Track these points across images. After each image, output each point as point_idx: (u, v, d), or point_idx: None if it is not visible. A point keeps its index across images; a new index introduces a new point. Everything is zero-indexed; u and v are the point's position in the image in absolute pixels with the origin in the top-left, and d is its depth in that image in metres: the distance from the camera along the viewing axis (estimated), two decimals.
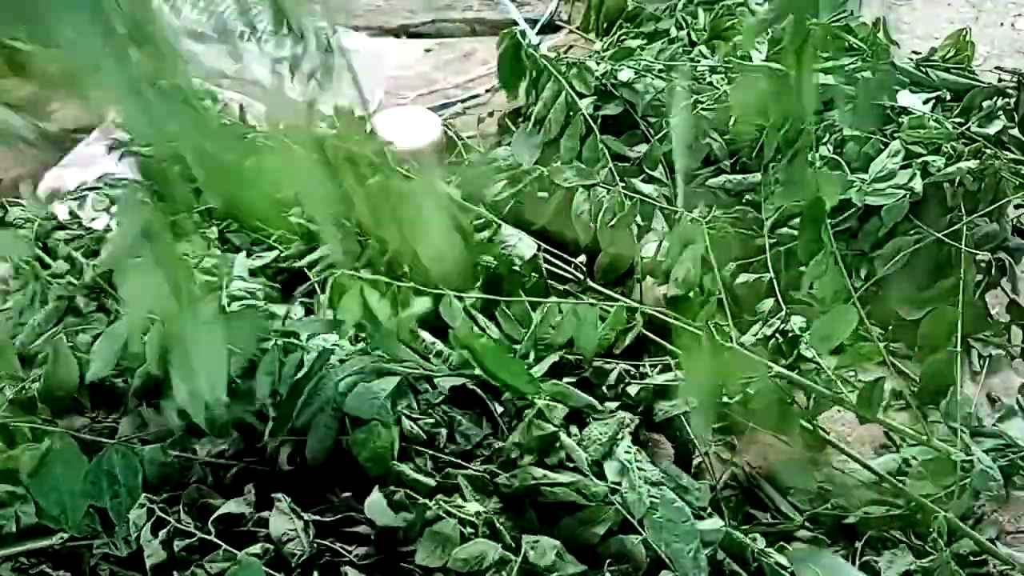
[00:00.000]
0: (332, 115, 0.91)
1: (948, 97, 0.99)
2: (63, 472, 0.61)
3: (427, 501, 0.59)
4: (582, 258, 0.82)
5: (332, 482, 0.65)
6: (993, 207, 0.87)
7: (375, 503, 0.59)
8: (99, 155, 0.98)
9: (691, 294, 0.79)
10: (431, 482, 0.62)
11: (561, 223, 0.90)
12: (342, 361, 0.65)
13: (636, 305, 0.75)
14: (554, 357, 0.71)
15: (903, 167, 0.86)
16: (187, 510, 0.61)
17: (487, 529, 0.59)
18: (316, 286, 0.79)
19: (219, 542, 0.58)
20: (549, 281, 0.78)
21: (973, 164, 0.87)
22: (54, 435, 0.64)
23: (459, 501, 0.60)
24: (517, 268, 0.78)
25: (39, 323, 0.74)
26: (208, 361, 0.53)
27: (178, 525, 0.59)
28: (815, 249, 0.69)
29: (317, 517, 0.61)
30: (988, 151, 0.89)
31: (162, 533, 0.59)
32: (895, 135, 0.91)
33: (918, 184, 0.85)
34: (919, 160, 0.88)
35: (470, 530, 0.58)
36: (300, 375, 0.64)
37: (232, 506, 0.61)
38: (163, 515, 0.59)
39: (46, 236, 0.80)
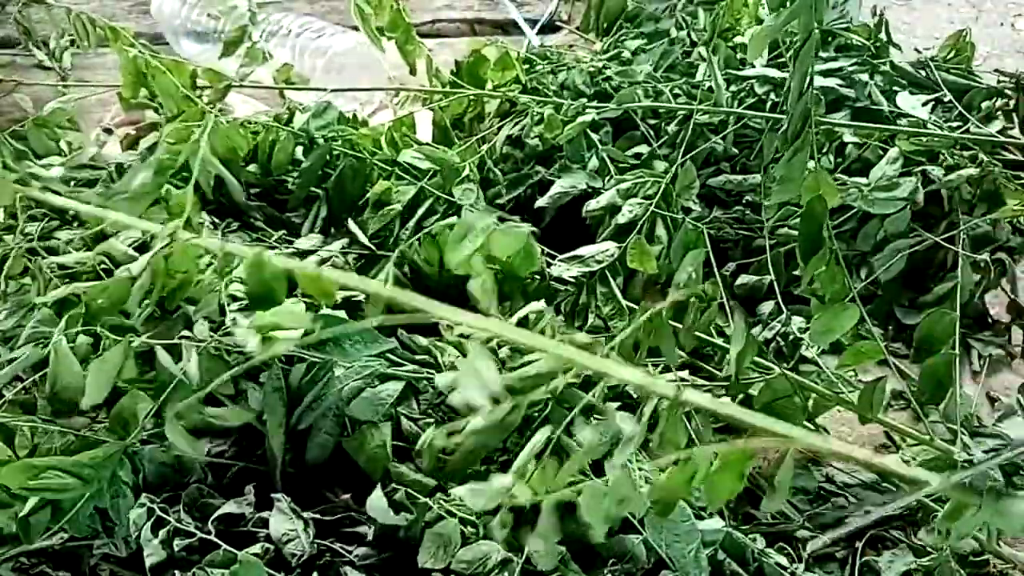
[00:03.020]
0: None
1: (948, 98, 1.00)
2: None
3: (428, 500, 0.59)
4: None
5: (332, 483, 0.65)
6: (993, 214, 0.88)
7: (376, 503, 0.59)
8: None
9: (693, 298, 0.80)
10: (431, 482, 0.62)
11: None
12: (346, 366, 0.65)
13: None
14: None
15: (903, 174, 0.86)
16: (187, 510, 0.61)
17: (488, 530, 0.59)
18: None
19: (219, 542, 0.58)
20: (551, 283, 0.78)
21: (973, 171, 0.88)
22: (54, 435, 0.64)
23: (460, 501, 0.60)
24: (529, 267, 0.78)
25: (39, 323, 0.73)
26: None
27: (178, 525, 0.59)
28: (815, 246, 0.69)
29: (317, 517, 0.61)
30: (987, 157, 0.90)
31: (162, 533, 0.59)
32: (895, 140, 0.92)
33: (920, 196, 0.86)
34: (918, 168, 0.89)
35: (471, 530, 0.58)
36: (304, 381, 0.64)
37: (232, 506, 0.61)
38: (163, 515, 0.60)
39: (48, 235, 0.81)
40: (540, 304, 0.68)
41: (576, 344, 0.63)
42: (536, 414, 0.63)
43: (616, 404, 0.72)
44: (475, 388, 0.59)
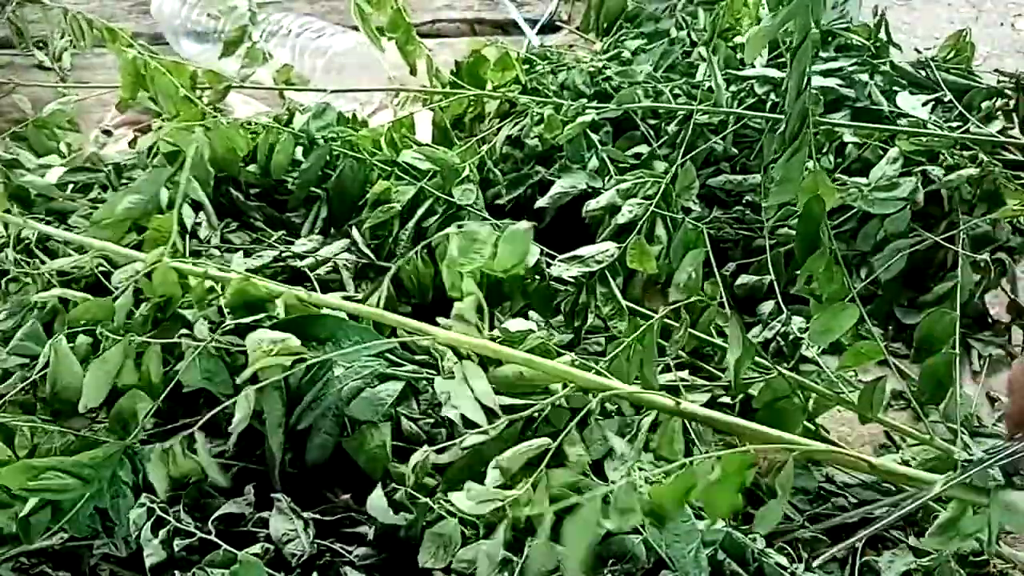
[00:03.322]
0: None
1: (948, 98, 1.00)
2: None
3: (428, 500, 0.59)
4: None
5: (332, 483, 0.65)
6: (994, 214, 0.88)
7: (376, 502, 0.59)
8: None
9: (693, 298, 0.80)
10: (432, 482, 0.62)
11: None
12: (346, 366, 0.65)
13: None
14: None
15: (903, 174, 0.86)
16: (187, 510, 0.61)
17: (488, 529, 0.59)
18: (317, 285, 0.79)
19: (219, 542, 0.58)
20: (551, 283, 0.78)
21: (973, 171, 0.88)
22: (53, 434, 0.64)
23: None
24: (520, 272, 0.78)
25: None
26: None
27: (178, 525, 0.59)
28: (813, 246, 0.69)
29: (317, 517, 0.61)
30: (987, 157, 0.90)
31: (162, 533, 0.59)
32: (895, 141, 0.92)
33: (920, 196, 0.86)
34: (918, 168, 0.89)
35: (471, 531, 0.58)
36: (303, 381, 0.64)
37: (232, 506, 0.61)
38: (163, 515, 0.60)
39: (46, 237, 0.81)
40: (531, 324, 0.68)
41: (569, 363, 0.63)
42: (536, 414, 0.63)
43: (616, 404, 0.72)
44: (470, 404, 0.60)
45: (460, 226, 0.78)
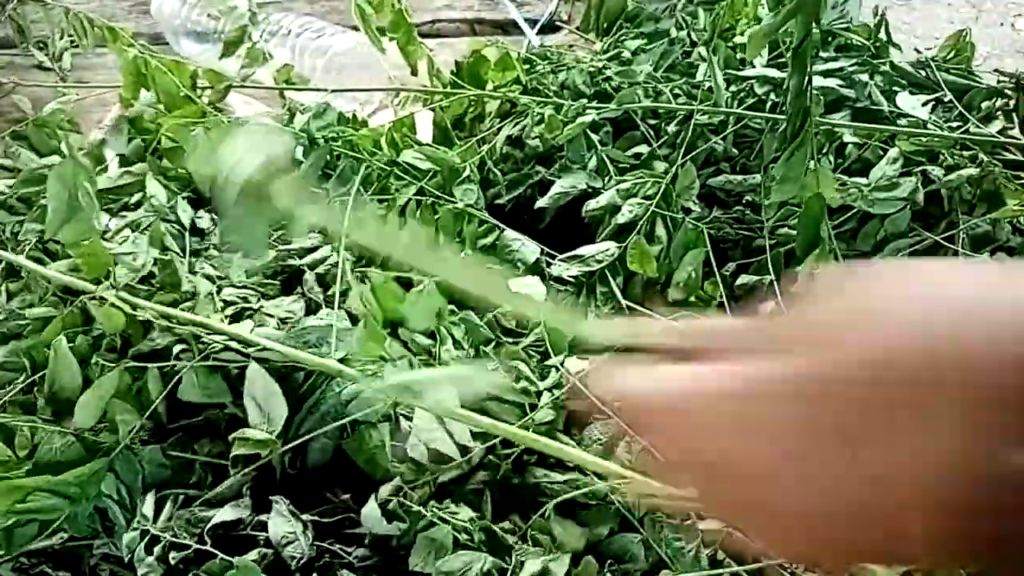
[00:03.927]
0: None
1: (948, 98, 1.00)
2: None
3: (421, 508, 0.59)
4: None
5: (332, 483, 0.65)
6: (994, 214, 0.88)
7: (370, 513, 0.60)
8: None
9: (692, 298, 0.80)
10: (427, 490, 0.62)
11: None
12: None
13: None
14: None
15: (903, 174, 0.86)
16: (183, 527, 0.61)
17: (483, 535, 0.59)
18: (316, 282, 0.79)
19: (215, 551, 0.57)
20: (551, 283, 0.78)
21: (973, 171, 0.88)
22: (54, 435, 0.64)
23: (452, 508, 0.60)
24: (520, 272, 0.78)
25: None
26: None
27: (173, 540, 0.59)
28: (813, 244, 0.69)
29: (316, 518, 0.61)
30: (987, 157, 0.90)
31: (157, 550, 0.59)
32: (895, 141, 0.92)
33: (921, 196, 0.86)
34: (918, 168, 0.89)
35: (465, 536, 0.57)
36: (304, 387, 0.64)
37: (229, 511, 0.61)
38: (158, 533, 0.59)
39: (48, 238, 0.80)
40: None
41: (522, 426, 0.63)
42: None
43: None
44: (444, 440, 0.60)
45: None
